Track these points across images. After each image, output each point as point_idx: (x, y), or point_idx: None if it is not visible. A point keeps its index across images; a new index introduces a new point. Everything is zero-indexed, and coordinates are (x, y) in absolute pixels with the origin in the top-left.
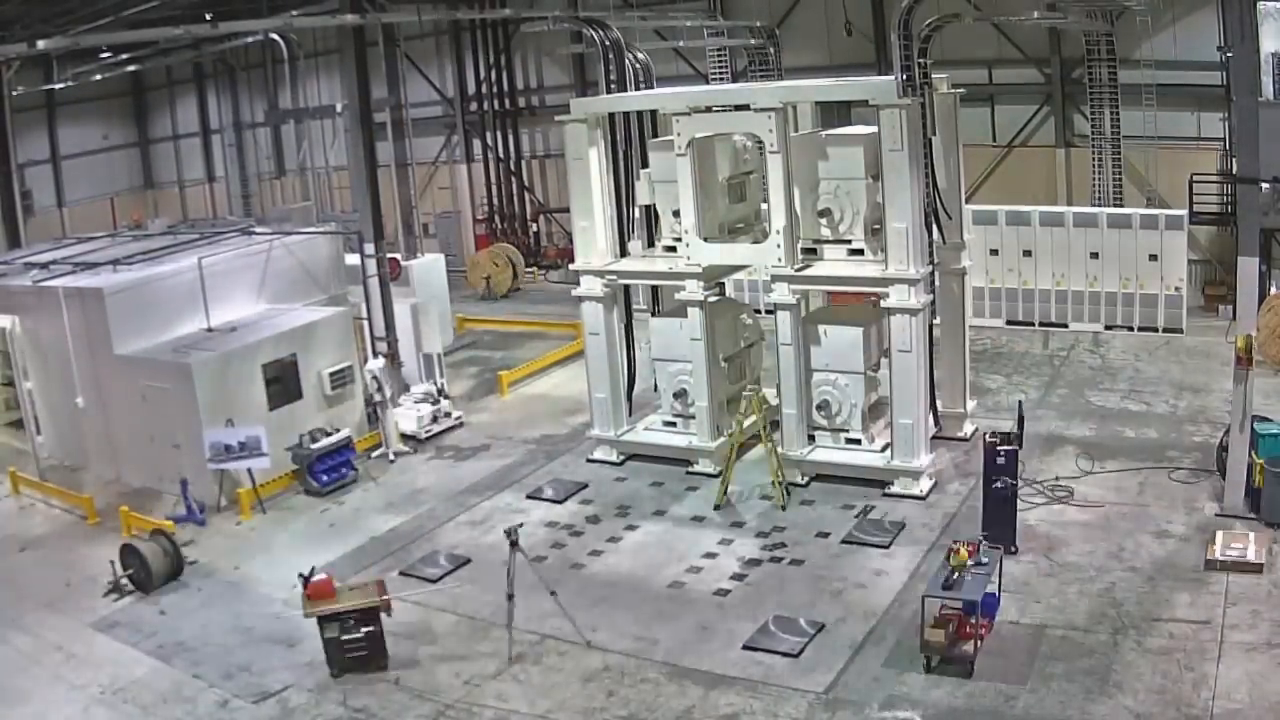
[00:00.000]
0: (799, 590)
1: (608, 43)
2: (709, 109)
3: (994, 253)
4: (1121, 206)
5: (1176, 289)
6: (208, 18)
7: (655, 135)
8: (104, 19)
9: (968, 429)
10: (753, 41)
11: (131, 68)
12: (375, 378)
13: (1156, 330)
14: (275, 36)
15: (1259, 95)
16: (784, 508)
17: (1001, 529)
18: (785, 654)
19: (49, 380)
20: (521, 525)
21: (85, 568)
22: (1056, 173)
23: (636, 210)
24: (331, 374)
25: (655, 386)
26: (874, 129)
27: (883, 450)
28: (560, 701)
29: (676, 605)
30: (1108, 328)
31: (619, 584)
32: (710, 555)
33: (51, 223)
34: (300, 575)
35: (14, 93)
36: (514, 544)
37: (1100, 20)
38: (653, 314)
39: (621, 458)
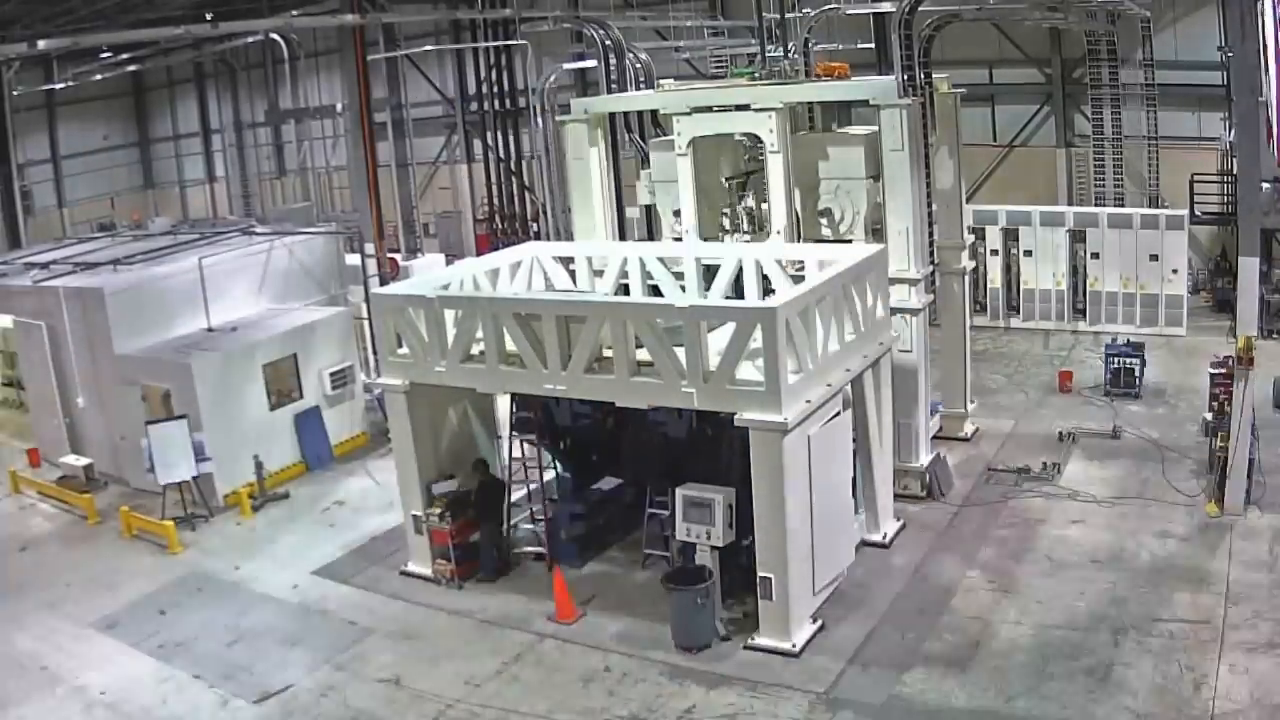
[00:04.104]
0: None
1: (608, 43)
2: (710, 109)
3: (994, 253)
4: (1122, 206)
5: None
6: (208, 18)
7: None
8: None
9: (968, 429)
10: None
11: (131, 68)
12: None
13: (1157, 330)
14: (275, 36)
15: (1259, 95)
16: None
17: None
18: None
19: (48, 380)
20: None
21: (85, 568)
22: (1057, 173)
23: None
24: (332, 374)
25: None
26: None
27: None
28: (560, 701)
29: None
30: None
31: None
32: None
33: (52, 223)
34: None
35: (14, 93)
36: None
37: (1101, 20)
38: None
39: None
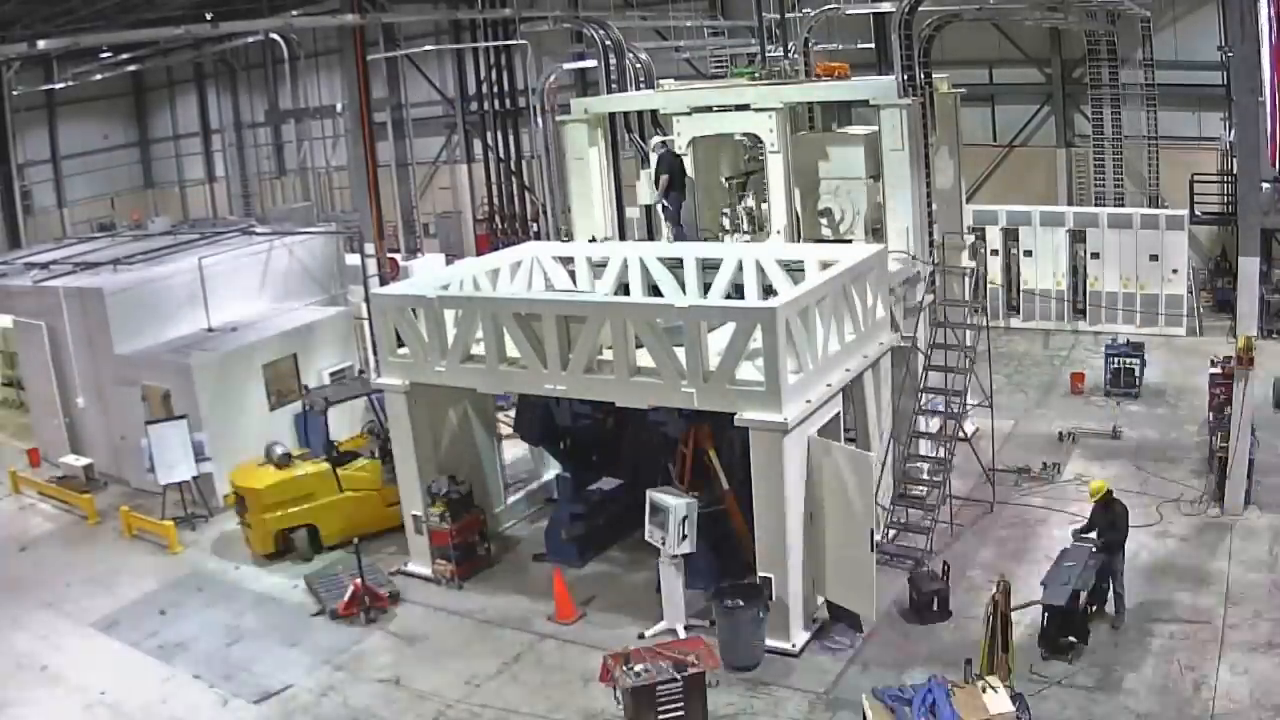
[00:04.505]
0: None
1: (608, 43)
2: (710, 109)
3: (995, 253)
4: (1122, 206)
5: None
6: (208, 18)
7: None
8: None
9: (968, 429)
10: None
11: (131, 68)
12: None
13: (1157, 330)
14: (275, 36)
15: (1259, 95)
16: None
17: None
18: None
19: (48, 380)
20: None
21: (85, 568)
22: (1057, 173)
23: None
24: (332, 374)
25: None
26: None
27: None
28: (560, 701)
29: None
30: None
31: None
32: None
33: (52, 223)
34: None
35: (14, 93)
36: None
37: (1101, 20)
38: None
39: None
